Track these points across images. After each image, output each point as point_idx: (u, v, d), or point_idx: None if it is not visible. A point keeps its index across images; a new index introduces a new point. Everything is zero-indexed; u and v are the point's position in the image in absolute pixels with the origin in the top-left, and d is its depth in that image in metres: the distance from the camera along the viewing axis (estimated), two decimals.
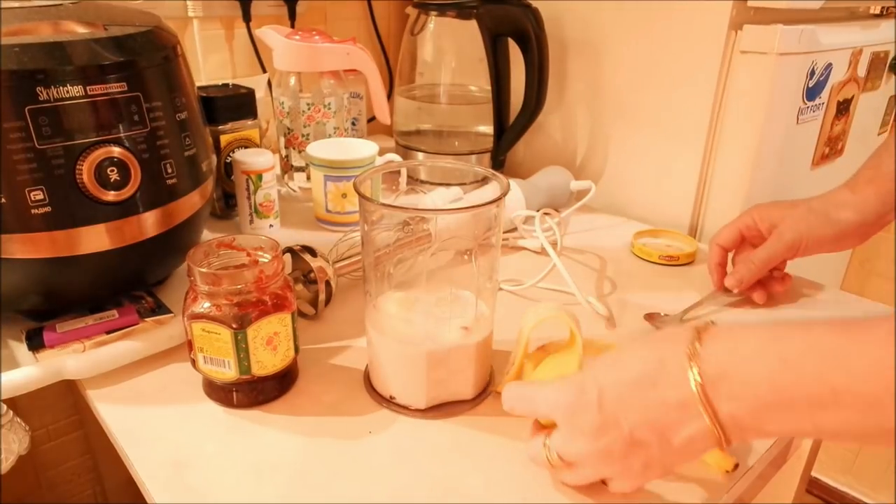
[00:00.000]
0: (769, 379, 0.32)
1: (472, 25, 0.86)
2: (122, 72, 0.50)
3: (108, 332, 0.54)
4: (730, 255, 0.67)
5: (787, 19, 0.74)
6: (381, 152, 0.83)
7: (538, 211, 0.75)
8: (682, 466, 0.44)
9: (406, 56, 0.99)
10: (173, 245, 0.58)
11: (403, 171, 0.88)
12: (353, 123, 1.01)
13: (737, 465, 0.43)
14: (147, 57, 0.52)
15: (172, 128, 0.54)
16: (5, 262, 0.49)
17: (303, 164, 0.89)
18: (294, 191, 0.92)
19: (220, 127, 0.77)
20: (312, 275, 0.58)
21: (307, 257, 0.59)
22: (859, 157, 0.63)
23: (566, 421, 0.39)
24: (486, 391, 0.51)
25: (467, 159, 0.97)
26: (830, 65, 0.82)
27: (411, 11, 0.95)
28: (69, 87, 0.47)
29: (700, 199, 0.84)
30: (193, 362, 0.48)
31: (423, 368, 0.47)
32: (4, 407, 0.51)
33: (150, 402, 0.50)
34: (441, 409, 0.49)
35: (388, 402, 0.50)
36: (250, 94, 0.80)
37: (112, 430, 0.47)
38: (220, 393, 0.49)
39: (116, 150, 0.50)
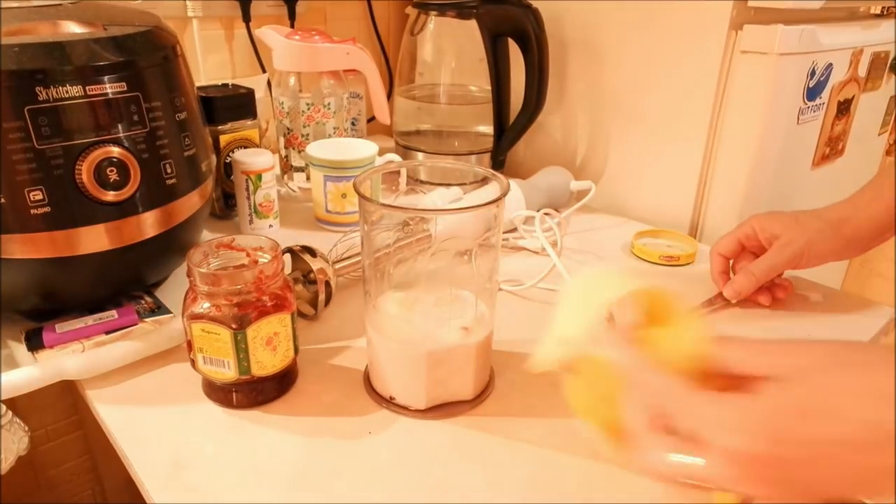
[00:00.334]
0: None
1: (472, 25, 0.86)
2: (122, 72, 0.50)
3: (108, 333, 0.54)
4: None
5: (787, 19, 0.74)
6: (381, 152, 0.83)
7: (538, 211, 0.75)
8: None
9: (406, 56, 0.99)
10: (173, 245, 0.58)
11: (403, 172, 0.87)
12: (353, 123, 1.01)
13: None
14: (146, 57, 0.52)
15: (172, 128, 0.54)
16: (5, 263, 0.49)
17: (302, 164, 0.89)
18: (294, 191, 0.92)
19: (220, 127, 0.77)
20: (312, 275, 0.58)
21: (307, 257, 0.59)
22: (860, 158, 0.63)
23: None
24: (486, 391, 0.51)
25: (467, 159, 0.97)
26: (831, 65, 0.82)
27: (411, 11, 0.95)
28: (68, 87, 0.47)
29: (700, 200, 0.84)
30: (193, 363, 0.48)
31: (423, 369, 0.47)
32: (4, 407, 0.51)
33: (150, 402, 0.50)
34: (441, 409, 0.49)
35: (388, 402, 0.50)
36: (250, 94, 0.80)
37: (111, 431, 0.47)
38: (220, 393, 0.49)
39: (116, 151, 0.50)
